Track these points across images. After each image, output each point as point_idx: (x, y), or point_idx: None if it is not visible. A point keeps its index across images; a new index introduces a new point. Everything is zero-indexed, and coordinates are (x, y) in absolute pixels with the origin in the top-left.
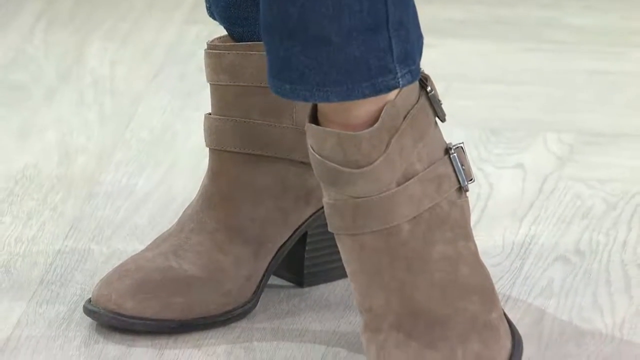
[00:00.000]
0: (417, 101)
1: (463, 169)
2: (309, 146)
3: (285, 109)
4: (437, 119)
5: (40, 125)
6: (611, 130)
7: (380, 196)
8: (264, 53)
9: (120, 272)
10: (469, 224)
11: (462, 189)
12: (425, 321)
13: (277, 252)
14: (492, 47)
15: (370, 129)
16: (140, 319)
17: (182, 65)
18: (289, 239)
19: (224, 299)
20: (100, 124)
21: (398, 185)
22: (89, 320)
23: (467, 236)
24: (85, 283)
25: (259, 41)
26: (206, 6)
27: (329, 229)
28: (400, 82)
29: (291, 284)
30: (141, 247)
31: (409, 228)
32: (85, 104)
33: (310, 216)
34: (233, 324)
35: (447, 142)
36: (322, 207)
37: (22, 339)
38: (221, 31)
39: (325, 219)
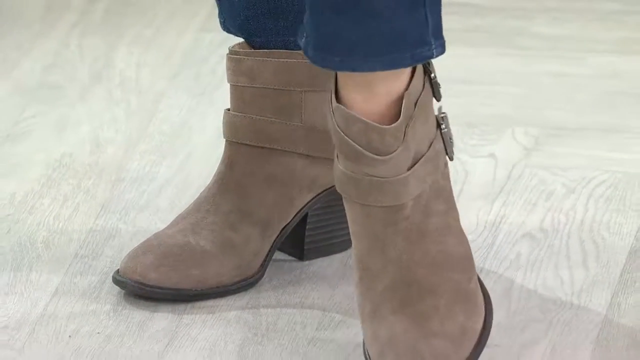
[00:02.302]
0: (423, 87)
1: (451, 141)
2: (335, 122)
3: (294, 110)
4: None
5: (75, 120)
6: (572, 125)
7: (396, 178)
8: (280, 59)
9: (145, 247)
10: (453, 193)
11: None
12: (418, 290)
13: (281, 231)
14: (468, 52)
15: (395, 124)
16: (161, 288)
17: (198, 67)
18: (292, 220)
19: (235, 271)
20: (126, 118)
21: (409, 168)
22: (117, 289)
23: (454, 205)
24: (114, 257)
25: (276, 49)
26: (220, 21)
27: (339, 191)
28: (434, 53)
29: (293, 258)
30: (163, 226)
31: (412, 204)
32: (114, 101)
33: (311, 199)
34: (243, 293)
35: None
36: (322, 192)
37: (59, 306)
38: (233, 39)
39: (323, 201)
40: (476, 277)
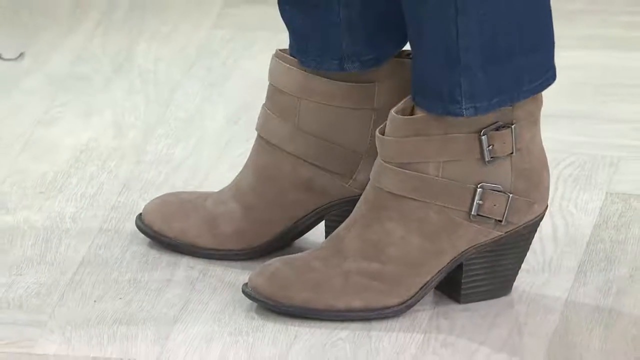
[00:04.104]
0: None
1: None
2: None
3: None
4: None
5: (100, 108)
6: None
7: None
8: (304, 70)
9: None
10: None
11: None
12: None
13: (290, 227)
14: None
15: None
16: (148, 227)
17: (210, 61)
18: (302, 218)
19: (240, 243)
20: (145, 106)
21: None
22: (137, 262)
23: None
24: (134, 231)
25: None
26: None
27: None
28: (465, 113)
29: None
30: None
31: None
32: (134, 91)
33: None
34: (249, 263)
35: None
36: (325, 205)
37: (85, 275)
38: (240, 36)
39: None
40: None
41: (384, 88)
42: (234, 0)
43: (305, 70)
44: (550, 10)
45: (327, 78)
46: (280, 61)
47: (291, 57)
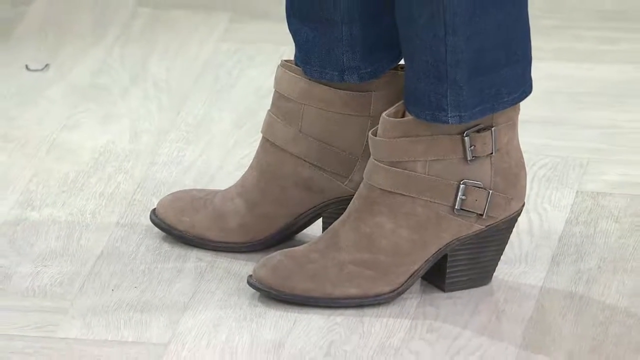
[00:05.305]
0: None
1: None
2: (392, 137)
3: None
4: None
5: (117, 114)
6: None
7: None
8: (307, 79)
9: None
10: None
11: None
12: (385, 258)
13: (292, 221)
14: None
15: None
16: (163, 222)
17: (216, 70)
18: (299, 216)
19: (245, 237)
20: (159, 113)
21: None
22: (150, 254)
23: None
24: (148, 226)
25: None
26: (295, 55)
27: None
28: (450, 121)
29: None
30: None
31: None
32: (149, 98)
33: (313, 207)
34: (253, 255)
35: None
36: (323, 202)
37: (104, 265)
38: (244, 48)
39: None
40: None
41: (379, 97)
42: (239, 17)
43: (308, 79)
44: (529, 28)
45: (328, 87)
46: (286, 70)
47: (296, 67)
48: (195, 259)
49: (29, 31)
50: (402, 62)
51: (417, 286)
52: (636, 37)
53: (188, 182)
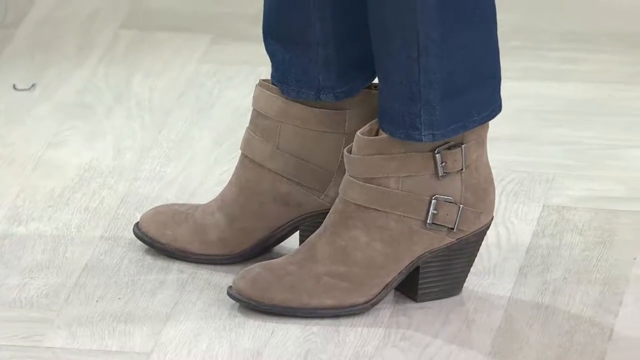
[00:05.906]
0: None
1: None
2: (369, 154)
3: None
4: None
5: (102, 132)
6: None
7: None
8: (284, 98)
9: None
10: None
11: None
12: (360, 269)
13: (269, 235)
14: None
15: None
16: (146, 236)
17: (197, 90)
18: (280, 227)
19: (225, 250)
20: (141, 130)
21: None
22: (134, 266)
23: None
24: (131, 239)
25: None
26: (271, 75)
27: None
28: (424, 139)
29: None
30: None
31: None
32: (132, 117)
33: (290, 221)
34: (233, 267)
35: None
36: (300, 216)
37: (88, 278)
38: (224, 69)
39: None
40: None
41: (354, 115)
42: (219, 39)
43: (285, 98)
44: (498, 49)
45: (305, 105)
46: (263, 89)
47: (273, 86)
48: (177, 271)
49: (16, 52)
50: (375, 80)
51: (390, 297)
52: (596, 58)
53: (170, 197)
